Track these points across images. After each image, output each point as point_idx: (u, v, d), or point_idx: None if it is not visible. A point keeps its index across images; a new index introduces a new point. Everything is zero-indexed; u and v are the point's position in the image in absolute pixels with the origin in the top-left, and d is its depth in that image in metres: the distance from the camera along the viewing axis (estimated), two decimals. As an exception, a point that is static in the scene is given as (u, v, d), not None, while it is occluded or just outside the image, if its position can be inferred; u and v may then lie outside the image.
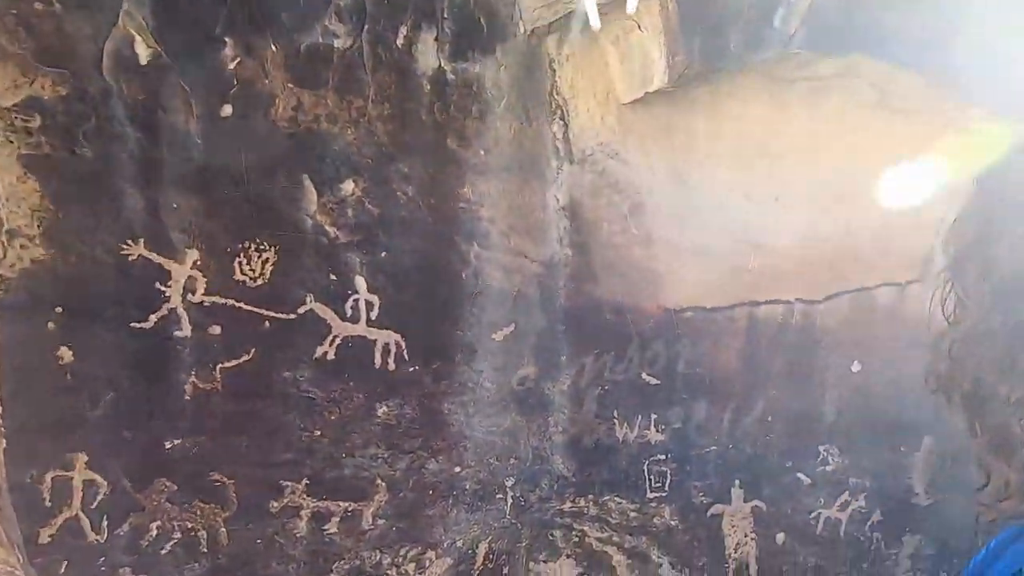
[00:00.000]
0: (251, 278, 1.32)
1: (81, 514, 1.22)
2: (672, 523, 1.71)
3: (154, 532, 1.28)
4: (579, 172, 1.52)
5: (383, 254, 1.41)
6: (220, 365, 1.29)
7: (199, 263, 1.26)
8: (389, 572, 1.49)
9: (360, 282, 1.41)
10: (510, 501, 1.57)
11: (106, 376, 1.22)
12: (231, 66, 1.23)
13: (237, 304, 1.30)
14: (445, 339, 1.49)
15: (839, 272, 1.79)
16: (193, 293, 1.26)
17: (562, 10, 1.30)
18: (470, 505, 1.54)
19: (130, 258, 1.21)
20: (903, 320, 1.87)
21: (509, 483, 1.57)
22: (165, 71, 1.19)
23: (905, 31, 1.43)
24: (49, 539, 1.20)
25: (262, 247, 1.32)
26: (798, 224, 1.73)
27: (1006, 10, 1.58)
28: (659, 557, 1.70)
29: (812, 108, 1.67)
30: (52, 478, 1.19)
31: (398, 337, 1.45)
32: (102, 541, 1.24)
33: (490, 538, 1.56)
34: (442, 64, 1.37)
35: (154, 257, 1.23)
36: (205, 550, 1.32)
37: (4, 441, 1.15)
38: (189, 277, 1.26)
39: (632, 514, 1.68)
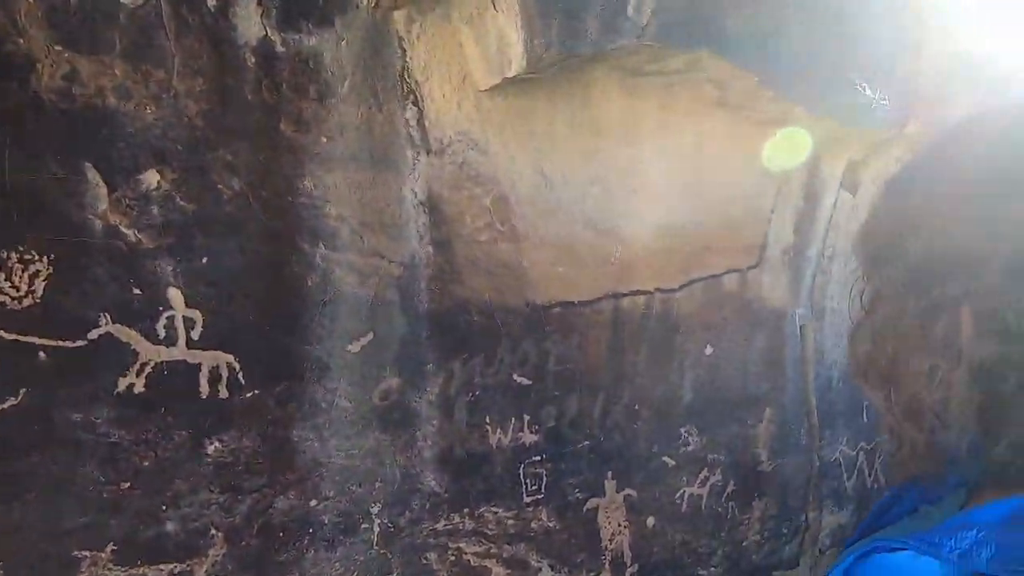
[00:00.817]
0: (13, 298, 1.01)
1: None
2: (550, 525, 1.67)
3: None
4: (438, 163, 1.40)
5: (203, 260, 1.17)
6: (-30, 416, 0.98)
7: (-75, 282, 0.93)
8: (234, 636, 1.26)
9: (175, 295, 1.16)
10: (377, 530, 1.42)
11: None
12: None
13: (-8, 333, 0.99)
14: (290, 356, 1.28)
15: (693, 261, 1.87)
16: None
17: (407, -20, 1.16)
18: (330, 542, 1.36)
19: None
20: (746, 303, 2.02)
21: (375, 510, 1.41)
22: None
23: (744, 31, 1.50)
24: None
25: (28, 257, 1.02)
26: (655, 216, 1.77)
27: (825, 11, 1.75)
28: (538, 561, 1.65)
29: (664, 102, 1.71)
30: None
31: (229, 358, 1.22)
32: None
33: (355, 574, 1.39)
34: (269, 34, 1.16)
35: None
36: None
37: None
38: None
39: (510, 522, 1.60)
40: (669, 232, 1.81)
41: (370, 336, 1.37)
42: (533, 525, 1.65)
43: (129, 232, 1.09)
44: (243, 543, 1.27)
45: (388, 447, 1.42)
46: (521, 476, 1.62)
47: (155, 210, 1.12)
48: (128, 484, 1.13)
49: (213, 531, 1.24)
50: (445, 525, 1.51)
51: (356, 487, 1.39)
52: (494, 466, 1.57)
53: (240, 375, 1.23)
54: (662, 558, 1.89)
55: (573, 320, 1.66)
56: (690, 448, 1.94)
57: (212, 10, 1.10)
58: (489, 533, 1.58)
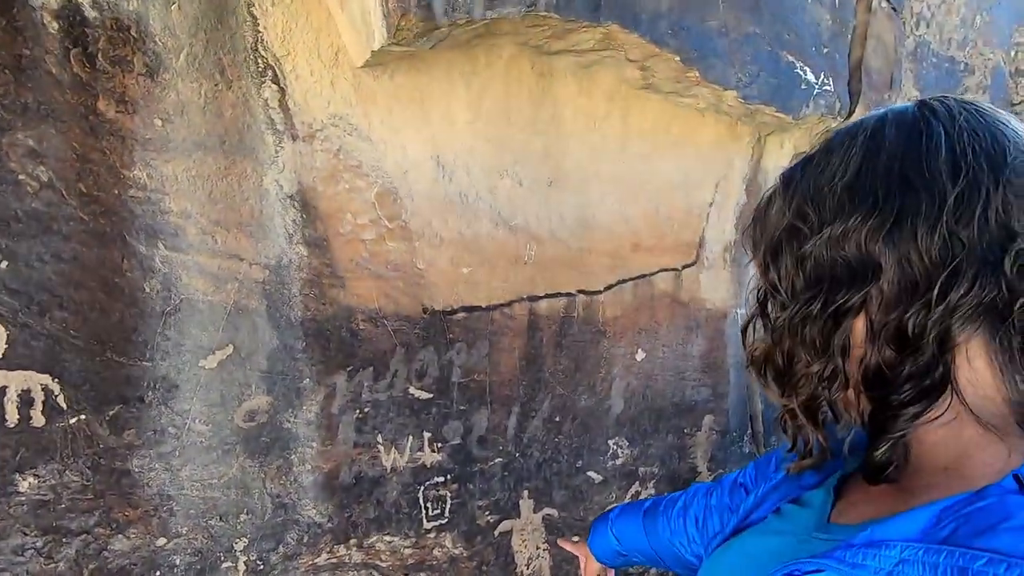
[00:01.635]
0: None
1: None
2: (456, 552, 1.52)
3: None
4: (307, 151, 1.22)
5: (3, 264, 0.99)
6: None
7: None
8: None
9: (-32, 307, 0.97)
10: (243, 568, 1.25)
11: None
12: None
13: None
14: (125, 375, 1.10)
15: (619, 261, 1.72)
16: None
17: (242, -68, 0.98)
18: (183, 585, 1.19)
19: None
20: (680, 305, 1.88)
21: (240, 546, 1.24)
22: None
23: (659, 5, 1.35)
24: None
25: None
26: (575, 211, 1.61)
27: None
28: (442, 592, 1.50)
29: (582, 84, 1.55)
30: None
31: (45, 379, 1.04)
32: None
33: (216, 620, 1.22)
34: (75, -6, 0.97)
35: None
36: None
37: None
38: None
39: (407, 551, 1.45)
40: (592, 228, 1.65)
41: (229, 350, 1.19)
42: (436, 553, 1.49)
43: None
44: (69, 593, 1.09)
45: (257, 474, 1.25)
46: (421, 500, 1.46)
47: (-67, 206, 0.93)
48: (-93, 533, 0.95)
49: (30, 581, 1.06)
50: (328, 559, 1.35)
51: (216, 521, 1.22)
52: (388, 490, 1.41)
53: (60, 398, 1.05)
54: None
55: (481, 326, 1.50)
56: (619, 461, 1.80)
57: (-6, -37, 0.91)
58: (382, 565, 1.42)
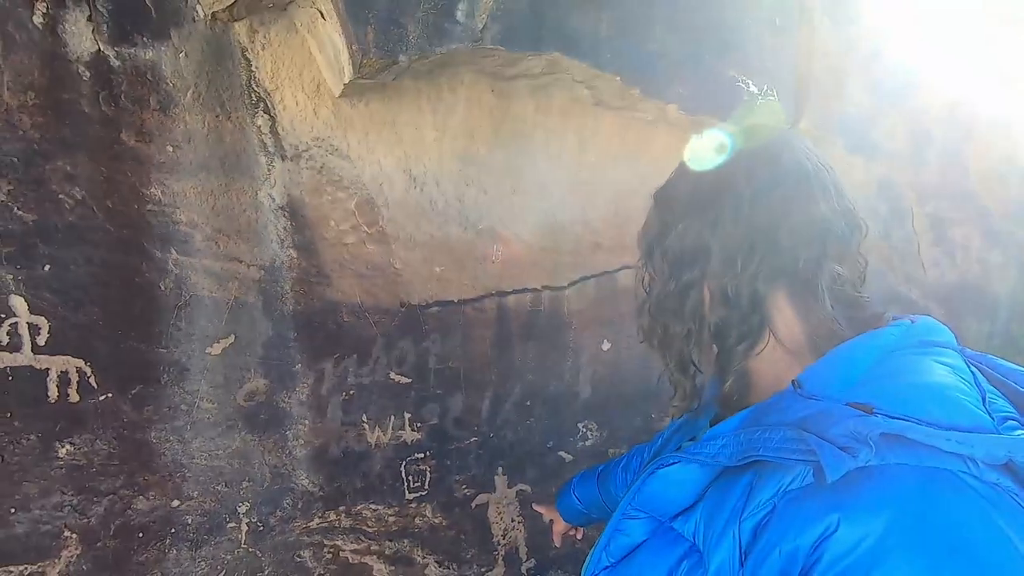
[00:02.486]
0: None
1: None
2: (435, 521, 1.70)
3: None
4: (295, 169, 1.44)
5: (46, 268, 1.21)
6: None
7: None
8: (91, 636, 1.28)
9: (18, 303, 1.20)
10: (245, 528, 1.44)
11: None
12: None
13: None
14: (145, 360, 1.32)
15: (581, 259, 1.91)
16: None
17: (235, -7, 1.21)
18: (194, 541, 1.39)
19: None
20: (644, 299, 2.06)
21: (242, 509, 1.44)
22: None
23: (596, 32, 1.55)
24: None
25: None
26: (538, 215, 1.81)
27: (695, 12, 1.80)
28: (424, 558, 1.68)
29: (539, 103, 1.76)
30: None
31: (80, 363, 1.26)
32: None
33: (223, 573, 1.41)
34: (102, 49, 1.21)
35: None
36: None
37: None
38: None
39: (391, 519, 1.63)
40: (554, 231, 1.85)
41: (231, 339, 1.40)
42: (417, 521, 1.67)
43: (-38, 242, 1.13)
44: (99, 544, 1.29)
45: (256, 447, 1.45)
46: (403, 473, 1.64)
47: (-8, 221, 1.16)
48: (-29, 488, 1.16)
49: (67, 533, 1.27)
50: (319, 523, 1.54)
51: (222, 487, 1.42)
52: (373, 463, 1.60)
53: (91, 379, 1.27)
54: (561, 552, 1.91)
55: (453, 319, 1.69)
56: (589, 443, 1.97)
57: (39, 27, 1.15)
58: (368, 530, 1.60)
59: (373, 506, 1.60)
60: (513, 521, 1.82)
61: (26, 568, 1.22)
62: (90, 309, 1.26)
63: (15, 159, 1.17)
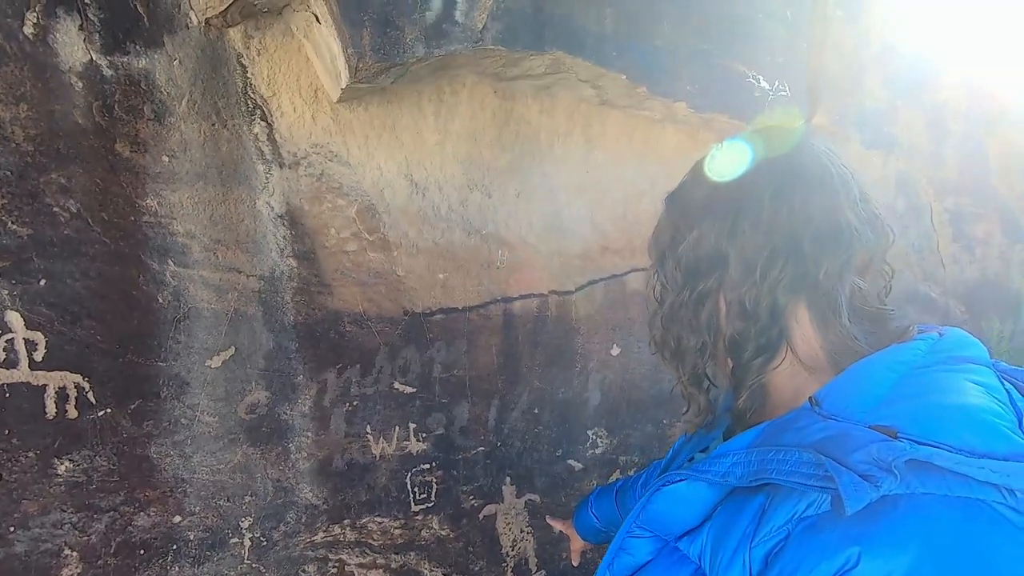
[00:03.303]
0: None
1: None
2: (443, 533, 1.66)
3: None
4: (293, 176, 1.41)
5: (42, 282, 1.19)
6: None
7: None
8: (93, 655, 1.26)
9: (14, 318, 1.18)
10: (248, 544, 1.42)
11: None
12: None
13: None
14: (144, 374, 1.29)
15: (589, 262, 1.87)
16: None
17: (228, -2, 1.18)
18: (196, 557, 1.36)
19: None
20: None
21: (245, 524, 1.41)
22: None
23: (601, 31, 1.51)
24: None
25: None
26: (542, 218, 1.77)
27: (703, 9, 1.74)
28: (431, 571, 1.64)
29: (543, 104, 1.71)
30: None
31: (77, 378, 1.23)
32: None
33: (226, 589, 1.39)
34: (94, 58, 1.18)
35: None
36: None
37: None
38: None
39: (396, 531, 1.60)
40: (561, 234, 1.80)
41: (231, 351, 1.38)
42: (423, 534, 1.64)
43: (-45, 258, 1.11)
44: (100, 562, 1.27)
45: (258, 461, 1.43)
46: (409, 485, 1.61)
47: (-15, 236, 1.14)
48: (-32, 507, 1.14)
49: (67, 551, 1.25)
50: (324, 537, 1.51)
51: (224, 502, 1.39)
52: (378, 475, 1.57)
53: (90, 395, 1.25)
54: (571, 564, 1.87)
55: (458, 326, 1.65)
56: (599, 451, 1.92)
57: (30, 37, 1.13)
58: (374, 544, 1.57)
59: (378, 519, 1.57)
60: (522, 532, 1.78)
61: (26, 587, 1.21)
62: (87, 323, 1.23)
63: (8, 172, 1.15)
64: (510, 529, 1.76)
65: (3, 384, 1.17)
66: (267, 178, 1.38)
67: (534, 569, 1.81)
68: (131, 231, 1.26)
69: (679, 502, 0.68)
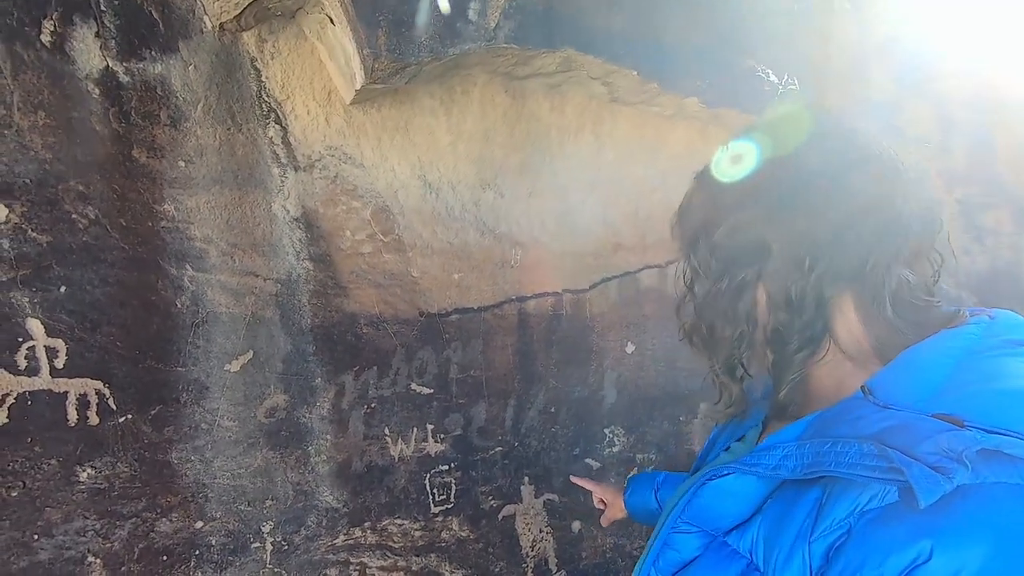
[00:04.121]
0: None
1: None
2: (462, 534, 1.66)
3: None
4: (308, 179, 1.41)
5: (62, 289, 1.19)
6: None
7: None
8: (118, 663, 1.26)
9: (35, 326, 1.18)
10: (270, 548, 1.41)
11: None
12: None
13: None
14: (164, 379, 1.29)
15: (602, 260, 1.86)
16: None
17: (242, 2, 1.18)
18: (218, 563, 1.36)
19: None
20: (667, 299, 2.00)
21: (266, 528, 1.41)
22: None
23: (612, 27, 1.51)
24: None
25: None
26: (555, 217, 1.77)
27: (710, 5, 1.75)
28: (452, 572, 1.64)
29: (553, 102, 1.71)
30: None
31: (98, 385, 1.23)
32: None
33: (249, 594, 1.38)
34: (111, 65, 1.19)
35: None
36: None
37: None
38: None
39: (417, 533, 1.59)
40: (574, 232, 1.80)
41: (250, 355, 1.37)
42: (443, 535, 1.63)
43: (-24, 267, 1.11)
44: (123, 569, 1.27)
45: (278, 464, 1.42)
46: (428, 486, 1.61)
47: (6, 244, 1.14)
48: (-7, 516, 1.14)
49: (91, 558, 1.24)
50: (345, 540, 1.50)
51: (245, 506, 1.39)
52: (397, 478, 1.57)
53: (110, 401, 1.25)
54: (592, 563, 1.86)
55: (474, 326, 1.65)
56: (616, 449, 1.92)
57: (48, 45, 1.13)
58: (395, 546, 1.56)
59: (399, 521, 1.56)
60: (541, 532, 1.77)
61: (51, 596, 1.20)
62: (107, 330, 1.23)
63: (27, 180, 1.15)
64: (529, 529, 1.76)
65: (25, 391, 1.17)
66: (282, 181, 1.38)
67: (554, 569, 1.80)
68: (149, 237, 1.26)
69: (727, 496, 0.66)
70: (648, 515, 1.29)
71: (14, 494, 1.17)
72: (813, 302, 0.66)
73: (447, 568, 1.63)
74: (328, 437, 1.47)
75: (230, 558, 1.37)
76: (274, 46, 1.31)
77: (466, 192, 1.62)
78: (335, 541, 1.49)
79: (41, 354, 1.18)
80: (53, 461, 1.20)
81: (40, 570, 1.20)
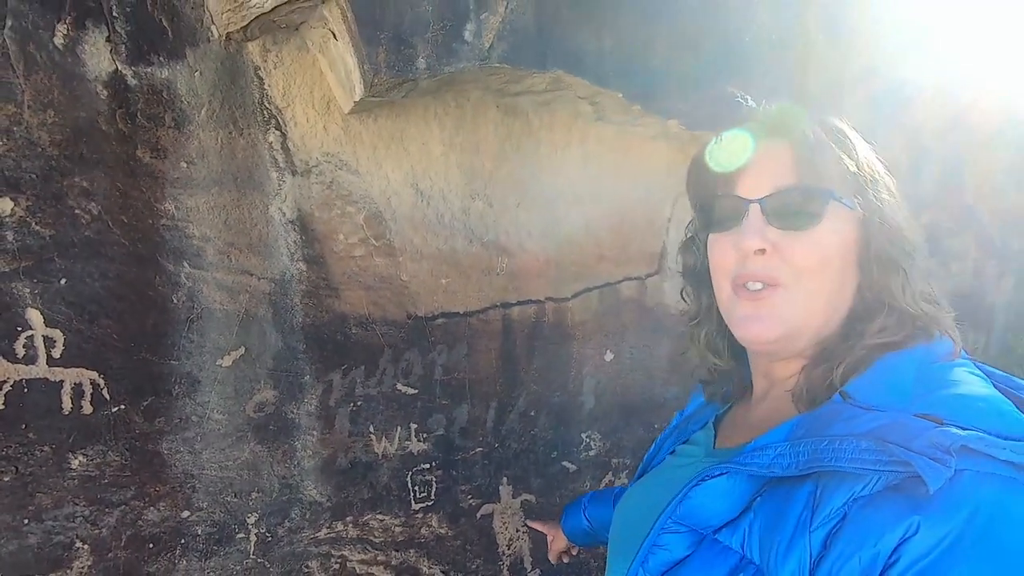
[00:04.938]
0: None
1: None
2: (441, 531, 1.71)
3: None
4: (304, 184, 1.47)
5: (62, 282, 1.23)
6: None
7: None
8: (101, 647, 1.29)
9: (34, 315, 1.22)
10: (254, 539, 1.46)
11: None
12: None
13: None
14: (157, 371, 1.34)
15: (585, 270, 1.94)
16: None
17: (249, 15, 1.24)
18: (203, 552, 1.40)
19: None
20: (646, 310, 2.08)
21: (251, 520, 1.45)
22: None
23: (600, 50, 1.59)
24: None
25: None
26: (542, 228, 1.84)
27: (695, 32, 1.84)
28: (430, 568, 1.69)
29: (543, 119, 1.79)
30: None
31: (93, 375, 1.28)
32: None
33: (232, 583, 1.42)
34: (120, 68, 1.24)
35: None
36: None
37: None
38: None
39: (397, 529, 1.64)
40: (558, 243, 1.87)
41: (241, 351, 1.42)
42: (423, 532, 1.68)
43: (-19, 257, 1.15)
44: (110, 555, 1.31)
45: (265, 458, 1.47)
46: (409, 484, 1.66)
47: (10, 236, 1.18)
48: (-15, 499, 1.17)
49: (79, 543, 1.28)
50: (327, 533, 1.55)
51: (231, 497, 1.43)
52: (380, 474, 1.62)
53: (104, 391, 1.29)
54: (565, 562, 1.92)
55: (459, 330, 1.71)
56: (592, 453, 1.98)
57: (60, 48, 1.18)
58: (375, 540, 1.61)
59: (380, 516, 1.61)
60: (518, 531, 1.83)
61: (38, 579, 1.24)
62: (104, 322, 1.28)
63: (33, 175, 1.20)
64: (506, 528, 1.81)
65: (21, 379, 1.21)
66: (280, 185, 1.44)
67: (529, 568, 1.86)
68: (149, 234, 1.31)
69: (720, 495, 0.70)
70: (583, 535, 1.36)
71: (7, 479, 1.21)
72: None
73: (425, 564, 1.68)
74: (314, 433, 1.52)
75: (215, 547, 1.41)
76: (277, 56, 1.37)
77: (456, 201, 1.68)
78: (318, 534, 1.53)
79: (39, 343, 1.22)
80: (46, 448, 1.24)
81: (29, 553, 1.23)
